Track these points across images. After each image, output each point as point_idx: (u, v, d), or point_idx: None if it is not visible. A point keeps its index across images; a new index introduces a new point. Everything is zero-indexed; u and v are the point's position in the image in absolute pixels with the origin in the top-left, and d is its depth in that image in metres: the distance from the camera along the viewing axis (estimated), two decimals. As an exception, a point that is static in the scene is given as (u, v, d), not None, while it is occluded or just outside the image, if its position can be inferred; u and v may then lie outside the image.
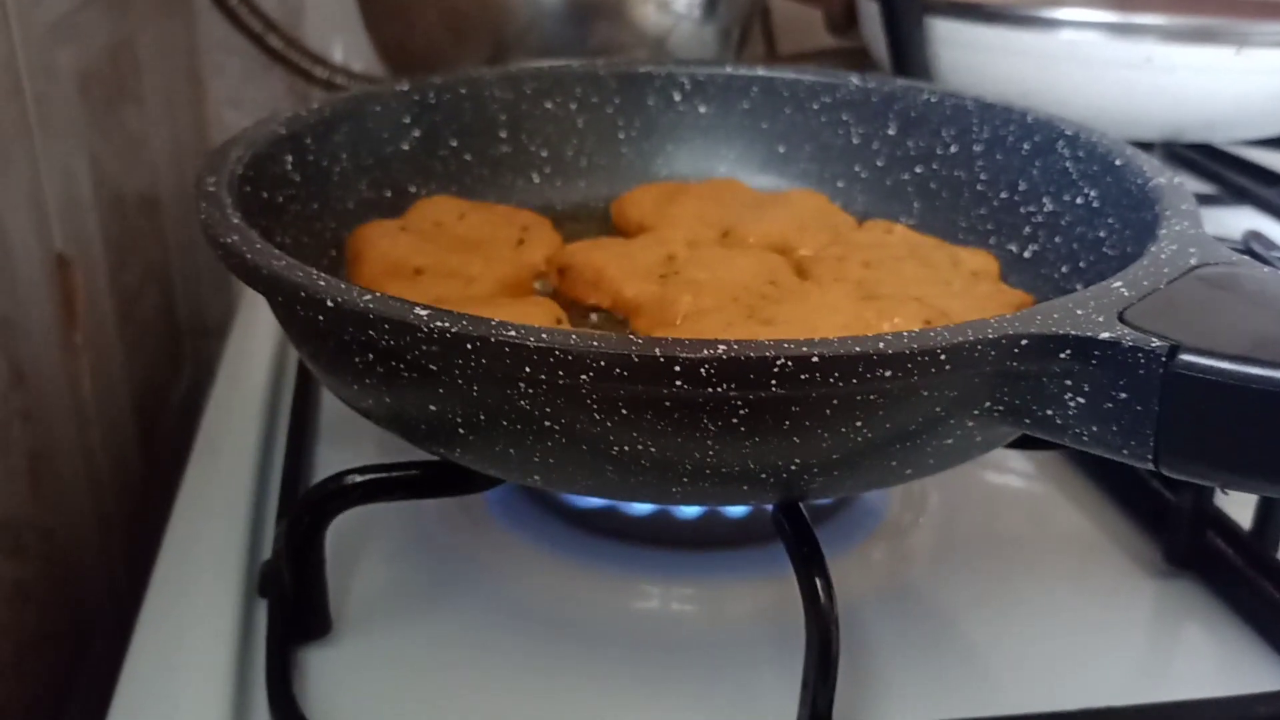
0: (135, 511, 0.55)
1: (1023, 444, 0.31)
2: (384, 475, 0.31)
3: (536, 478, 0.28)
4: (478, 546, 0.37)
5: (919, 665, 0.33)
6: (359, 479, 0.31)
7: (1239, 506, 0.37)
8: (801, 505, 0.30)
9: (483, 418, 0.27)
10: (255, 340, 0.50)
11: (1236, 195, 0.60)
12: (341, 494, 0.31)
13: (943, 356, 0.24)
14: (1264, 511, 0.37)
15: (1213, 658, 0.34)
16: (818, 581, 0.28)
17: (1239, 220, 0.58)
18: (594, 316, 0.39)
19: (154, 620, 0.33)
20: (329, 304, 0.25)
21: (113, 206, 0.57)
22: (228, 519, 0.37)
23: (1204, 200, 0.62)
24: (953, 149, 0.44)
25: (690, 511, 0.36)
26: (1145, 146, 0.65)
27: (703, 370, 0.23)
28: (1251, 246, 0.50)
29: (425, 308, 0.25)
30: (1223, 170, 0.62)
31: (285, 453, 0.39)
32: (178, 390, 0.67)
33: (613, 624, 0.34)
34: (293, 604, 0.31)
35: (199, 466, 0.41)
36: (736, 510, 0.36)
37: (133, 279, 0.60)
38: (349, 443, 0.41)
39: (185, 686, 0.30)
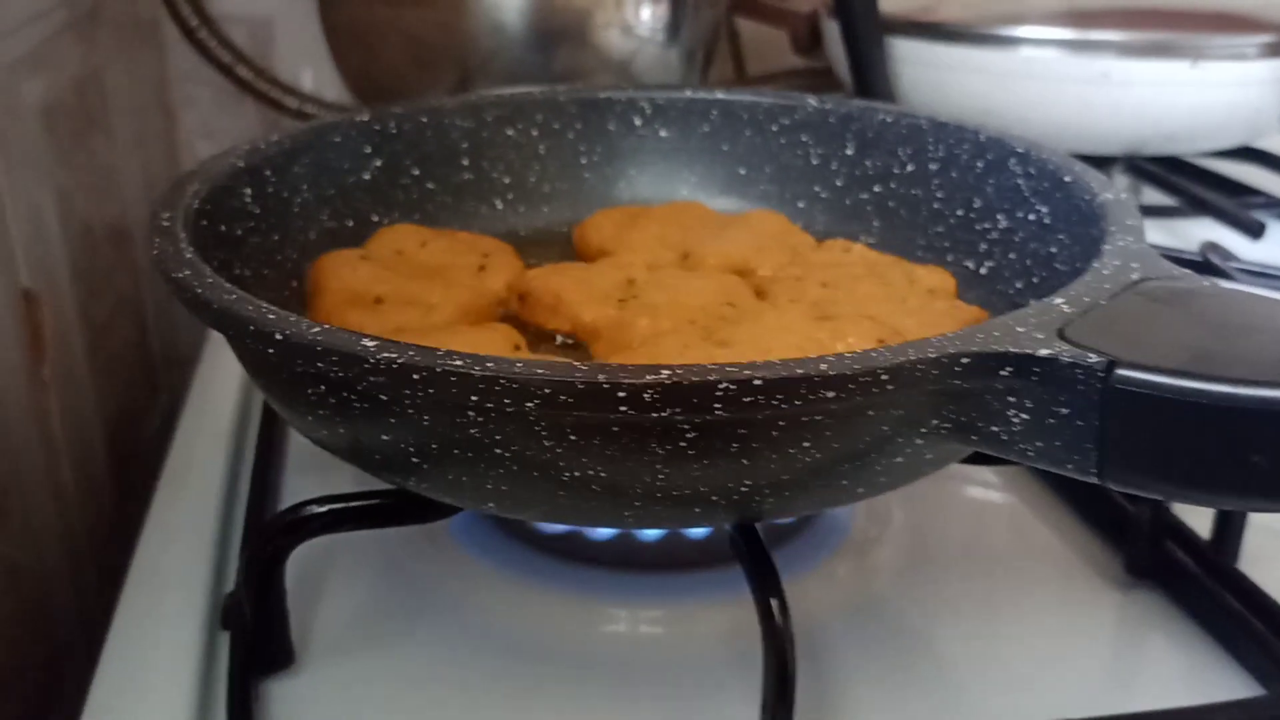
0: (109, 544, 0.55)
1: (978, 459, 0.32)
2: (343, 506, 0.31)
3: (491, 504, 0.28)
4: (443, 574, 0.37)
5: (885, 680, 0.33)
6: (318, 510, 0.31)
7: (1198, 517, 0.38)
8: (759, 525, 0.30)
9: (435, 446, 0.27)
10: (223, 370, 0.50)
11: (1197, 206, 0.61)
12: (301, 525, 0.31)
13: (885, 377, 0.24)
14: (1222, 521, 0.37)
15: (1175, 667, 0.34)
16: (773, 602, 0.28)
17: (1200, 231, 0.59)
18: (559, 340, 0.39)
19: (117, 654, 0.33)
20: (277, 337, 0.25)
21: (82, 239, 0.57)
22: (193, 551, 0.37)
23: (1165, 212, 0.62)
24: (909, 168, 0.44)
25: (652, 534, 0.36)
26: (1108, 160, 0.66)
27: (646, 395, 0.24)
28: (1209, 258, 0.51)
29: (372, 339, 0.25)
30: (1184, 182, 0.63)
31: (250, 483, 0.39)
32: (152, 421, 0.67)
33: (580, 648, 0.34)
34: (254, 636, 0.31)
35: (165, 498, 0.41)
36: (699, 531, 0.36)
37: (103, 311, 0.60)
38: (316, 472, 0.41)
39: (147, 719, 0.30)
